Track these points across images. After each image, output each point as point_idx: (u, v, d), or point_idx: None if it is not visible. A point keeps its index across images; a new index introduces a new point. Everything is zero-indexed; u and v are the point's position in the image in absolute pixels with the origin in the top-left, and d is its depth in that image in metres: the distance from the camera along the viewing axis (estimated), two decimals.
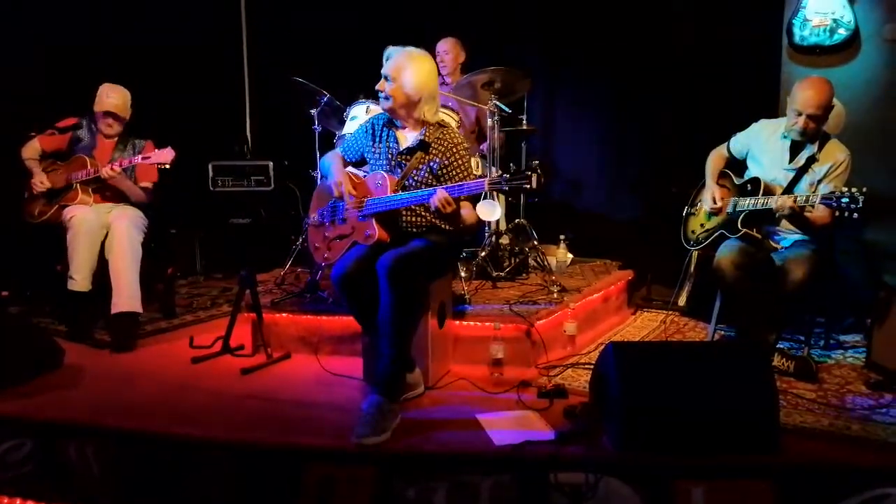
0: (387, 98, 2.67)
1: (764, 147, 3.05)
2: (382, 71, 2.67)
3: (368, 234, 2.64)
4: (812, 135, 2.90)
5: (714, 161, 3.23)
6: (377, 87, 2.69)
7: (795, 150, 2.96)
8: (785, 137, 2.98)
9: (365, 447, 2.19)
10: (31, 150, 3.62)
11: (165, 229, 3.93)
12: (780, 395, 2.37)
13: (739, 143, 3.17)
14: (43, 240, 3.57)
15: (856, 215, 2.59)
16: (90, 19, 4.53)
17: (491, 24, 4.83)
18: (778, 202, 2.81)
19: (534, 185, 2.36)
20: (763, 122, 3.12)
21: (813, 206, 2.77)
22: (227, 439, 2.29)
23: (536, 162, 2.39)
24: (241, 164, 4.90)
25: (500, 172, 3.72)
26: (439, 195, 2.47)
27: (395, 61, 2.65)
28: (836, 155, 2.90)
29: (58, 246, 3.40)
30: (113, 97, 3.56)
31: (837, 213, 2.64)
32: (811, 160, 2.91)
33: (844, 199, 2.59)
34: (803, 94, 2.84)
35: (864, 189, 2.57)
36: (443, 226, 2.73)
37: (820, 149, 2.92)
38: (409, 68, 2.62)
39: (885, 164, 3.48)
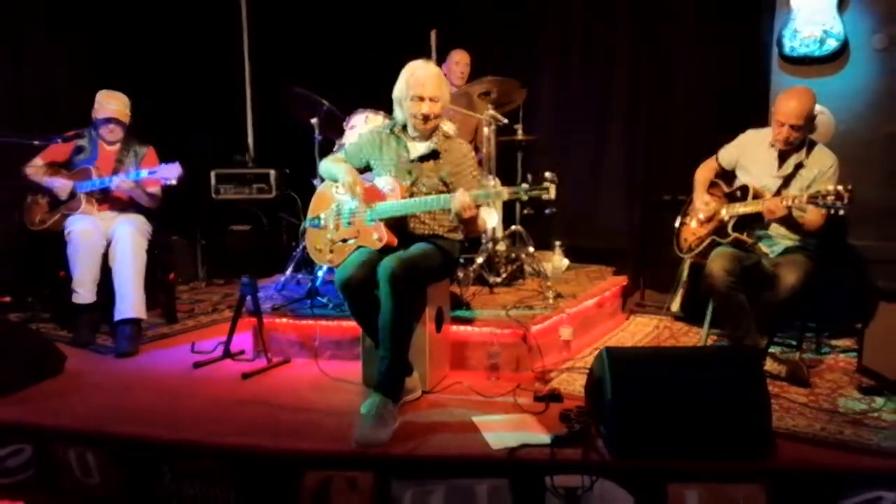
0: (434, 117, 2.68)
1: (753, 156, 3.09)
2: (425, 94, 2.62)
3: (377, 237, 2.67)
4: (797, 144, 2.95)
5: (703, 173, 3.27)
6: (421, 113, 2.64)
7: (783, 157, 3.01)
8: (773, 146, 3.02)
9: (365, 451, 2.21)
10: (34, 168, 3.59)
11: (168, 236, 3.96)
12: (773, 399, 2.39)
13: (728, 153, 3.21)
14: (45, 246, 3.58)
15: (842, 212, 2.64)
16: (93, 25, 4.57)
17: (489, 31, 4.87)
18: (767, 205, 2.85)
19: (552, 195, 2.39)
20: (750, 133, 3.17)
21: (803, 210, 2.82)
22: (228, 444, 2.30)
23: (554, 173, 2.42)
24: (242, 173, 4.93)
25: (496, 181, 3.78)
26: (462, 200, 2.48)
27: (433, 81, 2.64)
28: (823, 160, 2.94)
29: (60, 252, 3.41)
30: (113, 103, 3.55)
31: (825, 212, 2.70)
32: (799, 166, 2.96)
33: (830, 197, 2.64)
34: (785, 105, 2.89)
35: (850, 186, 2.62)
36: (445, 234, 2.76)
37: (808, 155, 2.97)
38: (444, 82, 2.68)
39: (874, 172, 3.51)
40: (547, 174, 2.41)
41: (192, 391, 2.82)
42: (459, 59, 4.40)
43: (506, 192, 2.48)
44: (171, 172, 3.35)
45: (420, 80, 2.65)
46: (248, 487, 2.23)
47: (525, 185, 2.45)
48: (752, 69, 3.99)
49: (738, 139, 3.20)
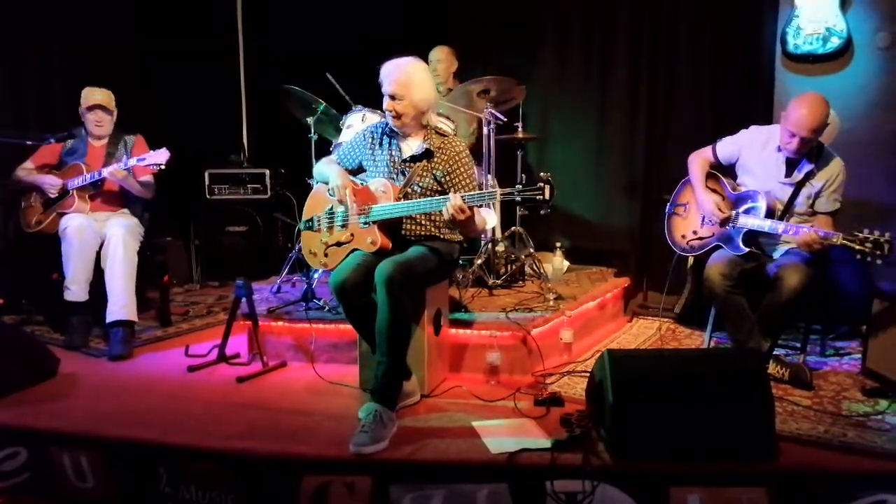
0: (397, 116, 2.66)
1: (758, 158, 3.01)
2: (386, 91, 2.63)
3: (371, 241, 2.64)
4: (807, 153, 2.88)
5: (700, 166, 3.14)
6: (386, 108, 2.66)
7: (791, 163, 2.93)
8: (780, 149, 2.94)
9: (362, 456, 2.19)
10: (25, 170, 3.60)
11: (161, 237, 3.93)
12: (776, 402, 2.37)
13: (727, 149, 3.10)
14: (38, 248, 3.57)
15: (879, 262, 2.56)
16: (89, 25, 4.54)
17: (486, 30, 4.85)
18: (805, 239, 2.71)
19: (546, 195, 2.39)
20: (754, 130, 3.07)
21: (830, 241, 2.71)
22: (223, 448, 2.28)
23: (548, 174, 2.42)
24: (237, 173, 4.91)
25: (493, 181, 3.75)
26: (455, 203, 2.46)
27: (398, 78, 2.61)
28: (832, 168, 2.89)
29: (53, 255, 3.40)
30: (97, 93, 3.58)
31: (859, 257, 2.60)
32: (810, 174, 2.89)
33: (868, 245, 2.56)
34: (797, 114, 2.78)
35: (888, 236, 2.54)
36: (442, 235, 2.73)
37: (817, 162, 2.89)
38: (413, 81, 2.62)
39: (878, 170, 3.50)
40: (542, 174, 2.40)
41: (187, 394, 2.80)
42: (440, 57, 4.30)
43: (499, 193, 2.45)
44: (160, 158, 3.36)
45: (382, 76, 2.65)
46: (246, 491, 2.21)
47: (519, 186, 2.44)
48: (754, 67, 3.97)
49: (739, 135, 3.10)
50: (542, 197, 2.39)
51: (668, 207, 3.34)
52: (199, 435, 2.37)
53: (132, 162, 3.40)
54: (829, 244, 2.69)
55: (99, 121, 3.59)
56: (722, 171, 3.15)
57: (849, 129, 3.58)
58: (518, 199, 2.44)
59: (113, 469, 2.32)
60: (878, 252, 2.55)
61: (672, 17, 4.25)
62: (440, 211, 2.54)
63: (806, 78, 3.67)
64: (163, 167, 3.39)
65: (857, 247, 2.59)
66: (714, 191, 3.14)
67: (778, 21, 3.77)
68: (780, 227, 2.84)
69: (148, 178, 3.61)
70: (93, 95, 3.57)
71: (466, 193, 2.52)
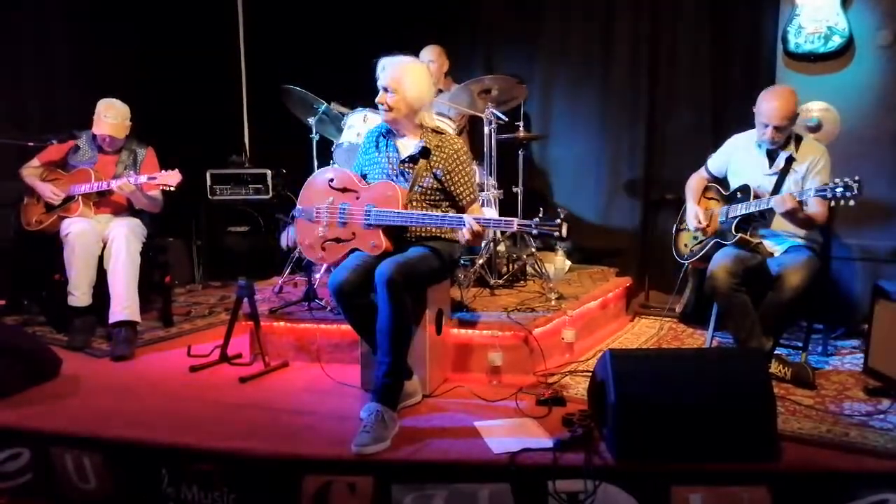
0: (389, 110, 2.67)
1: (743, 159, 3.10)
2: (380, 83, 2.65)
3: (374, 244, 2.63)
4: (783, 142, 2.96)
5: (695, 183, 3.29)
6: (378, 100, 2.68)
7: (772, 155, 3.02)
8: (760, 146, 3.03)
9: (364, 456, 2.19)
10: (29, 169, 3.60)
11: (163, 238, 3.94)
12: (778, 401, 2.36)
13: (717, 161, 3.23)
14: (40, 248, 3.57)
15: (852, 202, 2.62)
16: (90, 26, 4.55)
17: (487, 29, 4.85)
18: (777, 200, 2.81)
19: (563, 233, 2.41)
20: (736, 137, 3.18)
21: (807, 203, 2.81)
22: (225, 449, 2.28)
23: (566, 212, 2.44)
24: (239, 173, 4.91)
25: (495, 184, 3.76)
26: (472, 228, 2.48)
27: (393, 71, 2.64)
28: (813, 152, 2.95)
29: (56, 255, 3.40)
30: (110, 117, 3.50)
31: (834, 204, 2.68)
32: (790, 160, 2.96)
33: (839, 189, 2.62)
34: (768, 105, 2.89)
35: (857, 178, 2.60)
36: (444, 236, 2.73)
37: (797, 148, 2.97)
38: (408, 77, 2.63)
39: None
40: (559, 210, 2.45)
41: (189, 395, 2.80)
42: (432, 58, 4.30)
43: (515, 224, 2.48)
44: (171, 179, 3.36)
45: (379, 68, 2.67)
46: (247, 491, 2.22)
47: (537, 220, 2.46)
48: (755, 67, 3.97)
49: (724, 146, 3.21)
50: (558, 234, 2.41)
51: (675, 227, 3.43)
52: (201, 435, 2.37)
53: (142, 179, 3.39)
54: (801, 199, 2.77)
55: (109, 143, 3.57)
56: (720, 184, 3.24)
57: (850, 128, 3.57)
58: (534, 231, 2.46)
59: (115, 470, 2.33)
60: (849, 193, 2.61)
61: (672, 16, 4.25)
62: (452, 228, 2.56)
63: (807, 77, 3.67)
64: (172, 189, 3.38)
65: (829, 195, 2.65)
66: (711, 199, 3.23)
67: (779, 20, 3.77)
68: (762, 203, 2.90)
69: (156, 192, 3.58)
70: (106, 119, 3.49)
71: (482, 217, 2.56)
